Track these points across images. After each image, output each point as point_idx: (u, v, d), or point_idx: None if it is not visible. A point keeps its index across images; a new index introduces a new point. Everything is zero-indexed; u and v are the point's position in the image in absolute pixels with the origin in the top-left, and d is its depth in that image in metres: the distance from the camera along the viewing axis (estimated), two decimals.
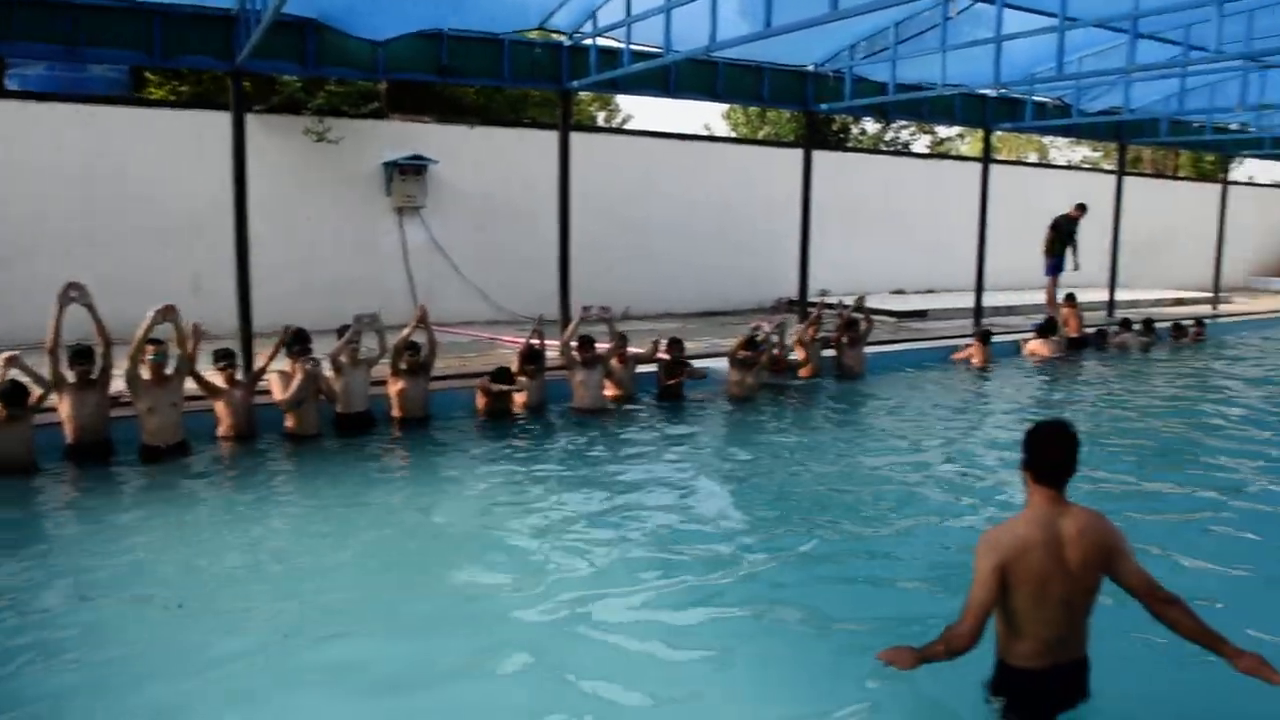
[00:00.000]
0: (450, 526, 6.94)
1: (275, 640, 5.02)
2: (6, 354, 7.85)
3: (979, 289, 16.97)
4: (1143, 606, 3.70)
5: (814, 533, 6.65)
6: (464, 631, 5.13)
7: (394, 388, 9.48)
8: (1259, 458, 8.99)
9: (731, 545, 6.37)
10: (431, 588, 5.79)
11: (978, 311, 17.04)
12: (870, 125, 29.58)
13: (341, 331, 9.38)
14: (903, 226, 21.48)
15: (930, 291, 21.65)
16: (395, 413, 9.53)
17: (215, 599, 5.52)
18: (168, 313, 8.03)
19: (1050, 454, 3.72)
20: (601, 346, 10.61)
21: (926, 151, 30.89)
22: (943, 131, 32.94)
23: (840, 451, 9.27)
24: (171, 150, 13.88)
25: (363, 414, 9.34)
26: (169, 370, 8.35)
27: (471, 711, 4.41)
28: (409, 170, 15.29)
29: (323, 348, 9.37)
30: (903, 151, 28.82)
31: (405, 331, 9.51)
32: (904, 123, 29.68)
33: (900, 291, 21.31)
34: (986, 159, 16.96)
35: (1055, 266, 17.39)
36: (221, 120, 10.47)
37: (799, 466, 8.57)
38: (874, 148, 28.80)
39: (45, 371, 7.94)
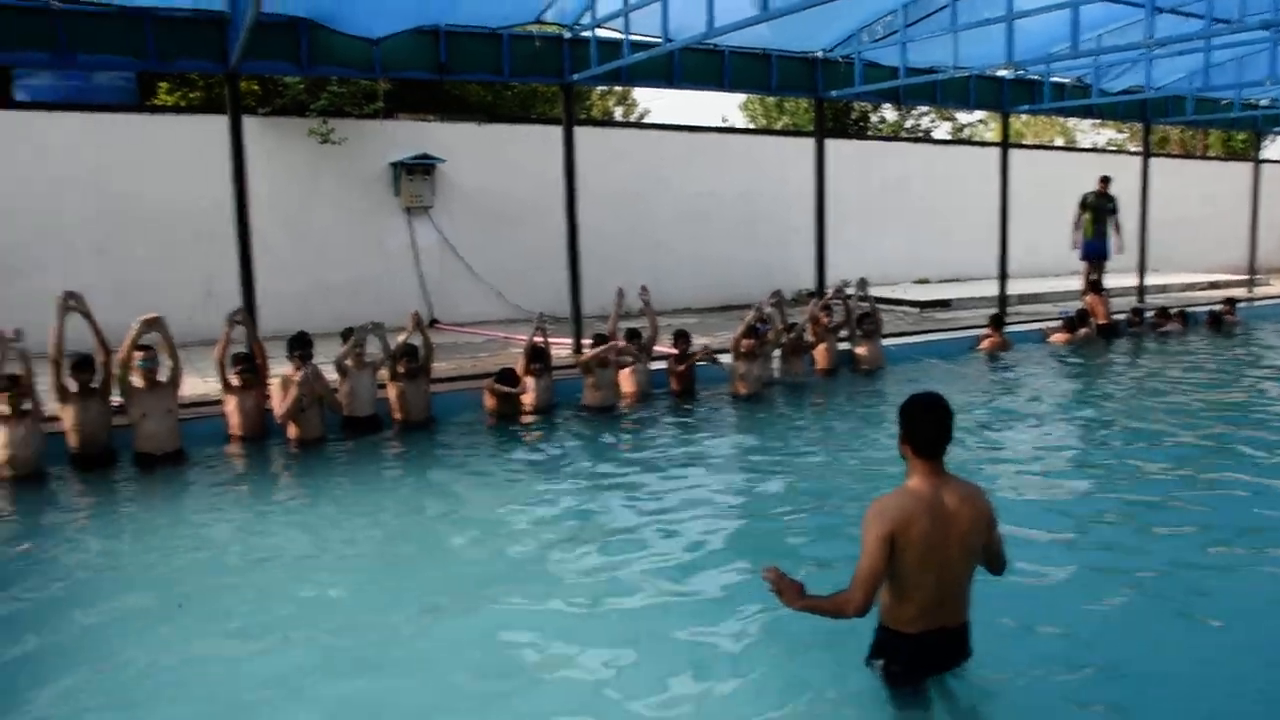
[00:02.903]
0: (449, 529, 6.78)
1: (277, 637, 5.00)
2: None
3: (1002, 277, 16.60)
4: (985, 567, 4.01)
5: (817, 533, 6.45)
6: (463, 636, 5.00)
7: (394, 391, 9.36)
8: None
9: (730, 547, 6.19)
10: (434, 588, 5.69)
11: (1002, 300, 16.67)
12: (890, 113, 29.25)
13: (345, 336, 9.30)
14: (925, 215, 21.19)
15: (955, 280, 21.33)
16: (396, 416, 9.41)
17: (216, 599, 5.49)
18: (153, 324, 8.04)
19: (927, 428, 3.79)
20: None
21: (947, 138, 30.52)
22: (964, 118, 32.56)
23: (853, 446, 8.98)
24: (180, 156, 13.81)
25: (369, 418, 9.23)
26: (161, 377, 8.28)
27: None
28: (416, 170, 15.16)
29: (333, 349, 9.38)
30: (922, 138, 28.46)
31: (402, 336, 9.40)
32: (925, 109, 29.40)
33: (924, 281, 21.01)
34: (1005, 143, 16.62)
35: (1092, 250, 16.76)
36: (225, 125, 10.36)
37: (807, 465, 8.31)
38: (894, 135, 28.45)
39: (48, 380, 7.91)
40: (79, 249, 13.36)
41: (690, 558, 5.96)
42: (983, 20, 11.42)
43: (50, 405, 8.04)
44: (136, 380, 8.11)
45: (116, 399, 8.25)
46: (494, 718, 4.28)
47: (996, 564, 4.04)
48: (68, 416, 8.01)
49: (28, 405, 7.79)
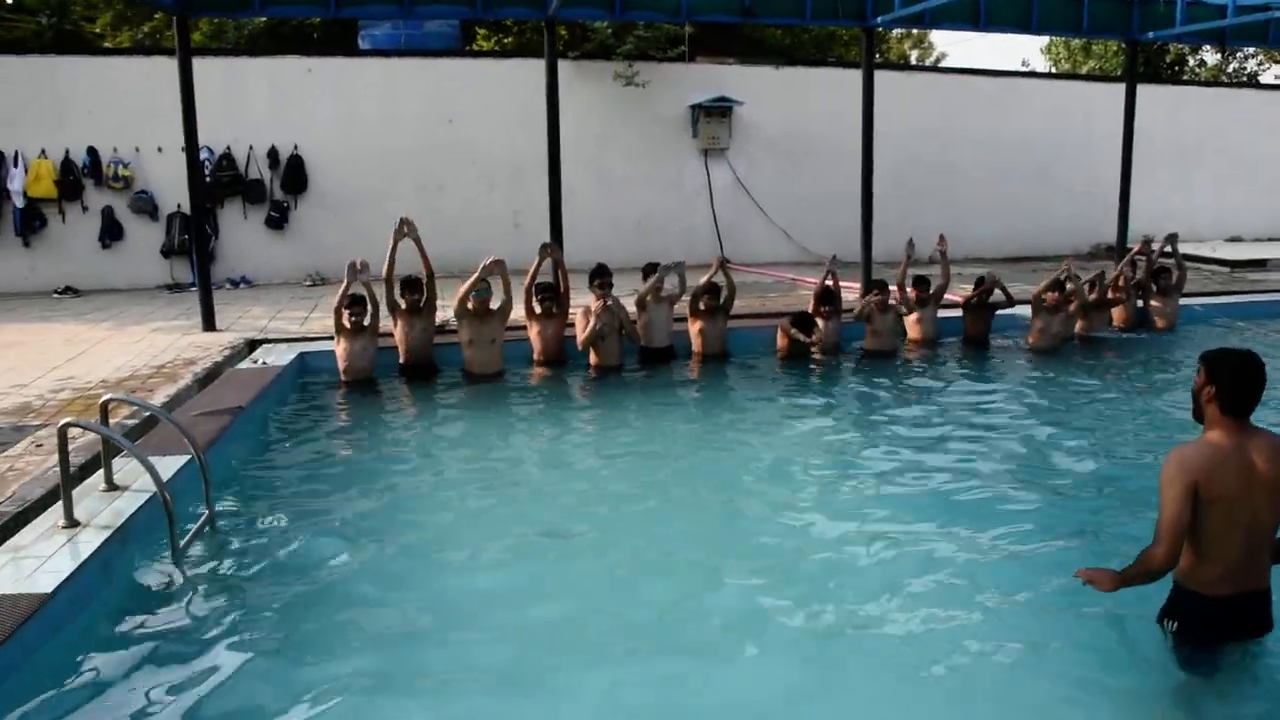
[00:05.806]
0: (737, 458, 7.10)
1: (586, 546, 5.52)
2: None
3: None
4: None
5: (1102, 490, 6.33)
6: (746, 565, 5.19)
7: (694, 326, 9.86)
8: None
9: (1016, 502, 6.08)
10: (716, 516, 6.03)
11: None
12: (1210, 56, 27.10)
13: (647, 271, 9.82)
14: (1243, 168, 19.69)
15: (1273, 240, 19.78)
16: (695, 349, 9.91)
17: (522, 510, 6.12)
18: (496, 267, 8.74)
19: (1242, 385, 3.63)
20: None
21: (1276, 82, 27.95)
22: None
23: (1143, 408, 8.56)
24: (495, 98, 14.87)
25: (665, 349, 9.78)
26: (493, 305, 9.10)
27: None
28: (714, 112, 15.60)
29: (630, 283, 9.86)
30: (1246, 83, 26.19)
31: (707, 275, 9.83)
32: (1252, 51, 27.06)
33: (1237, 239, 19.60)
34: None
35: None
36: (538, 68, 11.09)
37: (1098, 426, 7.91)
38: (1214, 80, 26.36)
39: (383, 296, 8.92)
40: (408, 184, 14.68)
41: (970, 505, 5.96)
42: None
43: (384, 322, 9.09)
44: (470, 305, 8.95)
45: (440, 317, 9.20)
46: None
47: None
48: (397, 331, 9.04)
49: (367, 321, 8.83)
